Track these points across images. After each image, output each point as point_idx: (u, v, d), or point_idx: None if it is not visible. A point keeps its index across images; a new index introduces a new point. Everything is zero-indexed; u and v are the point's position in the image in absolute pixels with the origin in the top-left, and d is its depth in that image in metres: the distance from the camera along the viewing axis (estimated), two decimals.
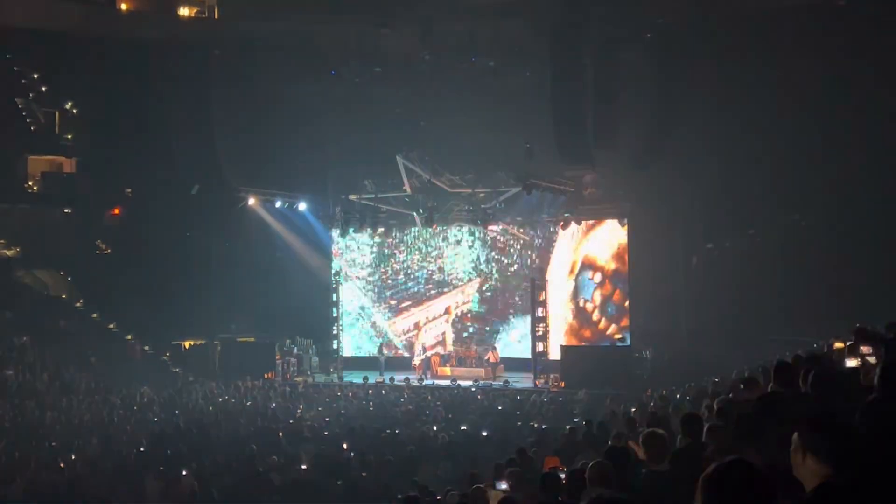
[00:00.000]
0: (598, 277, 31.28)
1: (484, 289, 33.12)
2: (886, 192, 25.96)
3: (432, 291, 34.05)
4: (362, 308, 35.19)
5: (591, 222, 31.25)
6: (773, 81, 27.69)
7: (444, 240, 33.68)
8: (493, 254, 33.19)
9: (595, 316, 31.33)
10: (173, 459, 16.38)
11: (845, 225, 27.43)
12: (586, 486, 5.74)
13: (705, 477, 2.83)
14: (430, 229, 32.84)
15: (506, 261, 32.95)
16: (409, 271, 34.41)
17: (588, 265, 31.44)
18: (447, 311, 33.64)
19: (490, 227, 32.10)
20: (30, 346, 29.80)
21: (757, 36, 28.19)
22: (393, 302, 34.74)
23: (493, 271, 33.12)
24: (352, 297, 35.21)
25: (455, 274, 33.65)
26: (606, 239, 31.13)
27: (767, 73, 27.90)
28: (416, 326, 34.12)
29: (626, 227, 30.66)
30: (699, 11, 29.44)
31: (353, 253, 35.24)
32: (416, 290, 34.35)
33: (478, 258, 33.28)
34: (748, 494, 2.75)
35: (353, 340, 34.92)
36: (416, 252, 34.17)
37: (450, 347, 32.56)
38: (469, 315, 33.31)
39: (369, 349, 34.31)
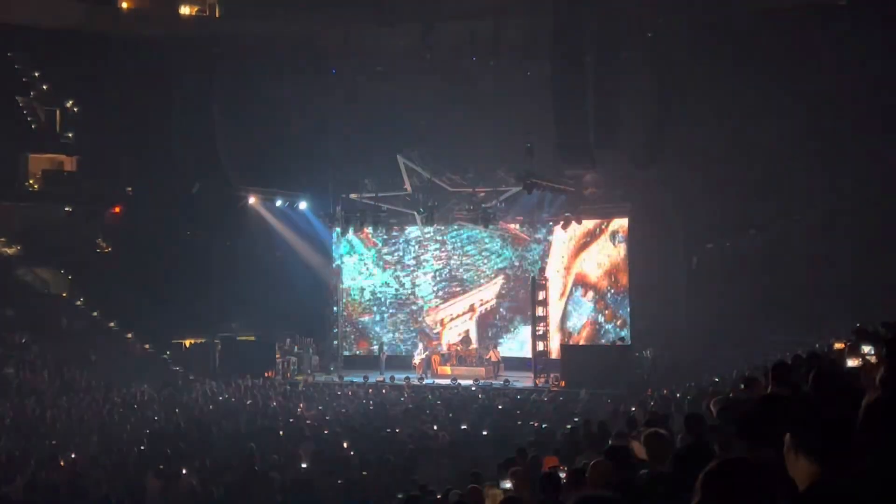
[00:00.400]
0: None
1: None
2: (887, 192, 25.98)
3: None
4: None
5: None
6: (774, 80, 27.69)
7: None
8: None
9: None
10: (173, 458, 16.37)
11: (846, 225, 27.45)
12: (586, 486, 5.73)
13: (705, 474, 2.83)
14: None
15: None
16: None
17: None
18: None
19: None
20: (30, 344, 29.82)
21: (758, 35, 28.19)
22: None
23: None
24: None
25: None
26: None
27: (769, 72, 27.90)
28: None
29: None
30: (700, 10, 29.45)
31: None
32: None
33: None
34: (748, 493, 2.75)
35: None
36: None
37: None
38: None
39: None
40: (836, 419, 3.21)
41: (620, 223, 30.98)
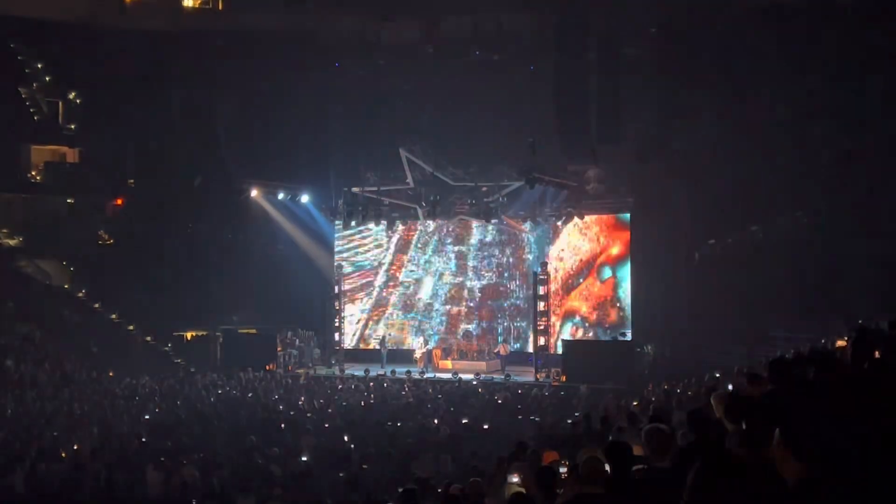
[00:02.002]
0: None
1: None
2: (889, 188, 25.94)
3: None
4: None
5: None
6: (776, 76, 27.66)
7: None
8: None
9: None
10: (174, 450, 16.41)
11: (848, 222, 27.40)
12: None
13: (694, 474, 2.82)
14: None
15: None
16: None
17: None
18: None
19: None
20: (31, 335, 29.85)
21: (761, 31, 28.15)
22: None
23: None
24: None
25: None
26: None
27: (771, 68, 27.85)
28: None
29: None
30: (703, 7, 29.41)
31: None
32: None
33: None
34: (734, 492, 2.74)
35: None
36: None
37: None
38: None
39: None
40: (822, 418, 3.21)
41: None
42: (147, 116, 33.34)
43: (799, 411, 3.30)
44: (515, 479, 7.80)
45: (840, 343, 10.97)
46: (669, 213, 30.20)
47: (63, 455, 17.11)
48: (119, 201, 37.85)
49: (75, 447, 17.83)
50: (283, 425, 19.38)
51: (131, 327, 33.86)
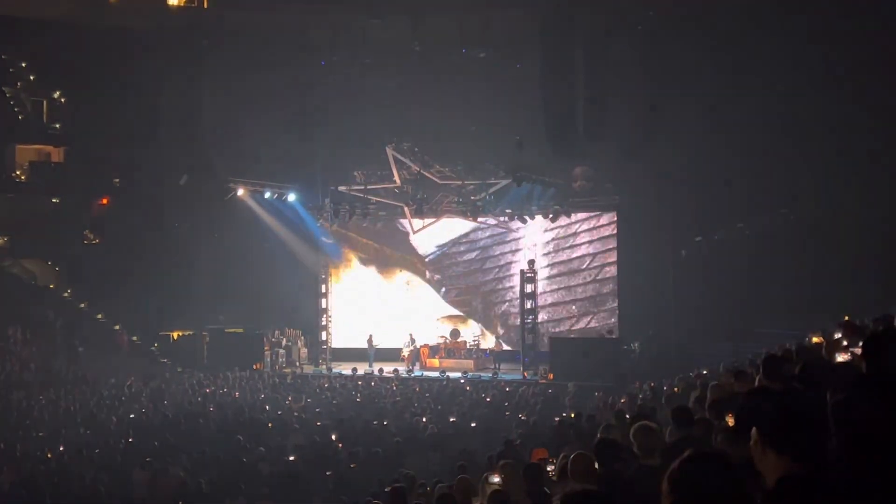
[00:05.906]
0: None
1: None
2: (875, 186, 26.03)
3: None
4: None
5: None
6: (763, 74, 27.70)
7: None
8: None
9: None
10: (161, 450, 16.36)
11: (833, 219, 27.49)
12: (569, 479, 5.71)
13: (672, 471, 2.81)
14: None
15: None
16: None
17: None
18: None
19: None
20: (17, 336, 29.69)
21: (749, 27, 28.20)
22: None
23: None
24: None
25: None
26: None
27: (759, 66, 27.90)
28: None
29: None
30: (690, 3, 29.44)
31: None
32: None
33: None
34: (718, 488, 2.73)
35: None
36: None
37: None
38: None
39: None
40: (801, 412, 3.19)
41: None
42: (132, 115, 33.17)
43: (783, 407, 3.28)
44: (496, 478, 7.80)
45: (816, 339, 10.94)
46: (656, 210, 30.25)
47: (49, 455, 17.04)
48: (104, 201, 37.65)
49: (61, 448, 17.79)
50: (270, 425, 19.36)
51: (117, 327, 33.73)
